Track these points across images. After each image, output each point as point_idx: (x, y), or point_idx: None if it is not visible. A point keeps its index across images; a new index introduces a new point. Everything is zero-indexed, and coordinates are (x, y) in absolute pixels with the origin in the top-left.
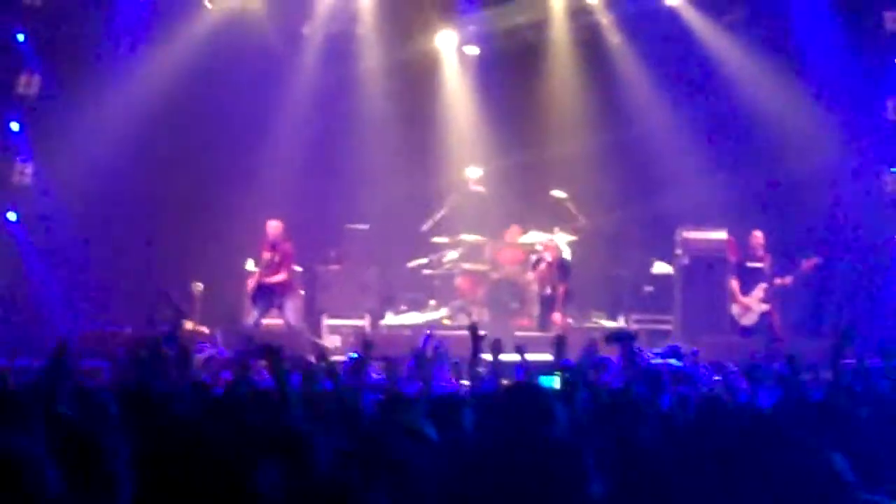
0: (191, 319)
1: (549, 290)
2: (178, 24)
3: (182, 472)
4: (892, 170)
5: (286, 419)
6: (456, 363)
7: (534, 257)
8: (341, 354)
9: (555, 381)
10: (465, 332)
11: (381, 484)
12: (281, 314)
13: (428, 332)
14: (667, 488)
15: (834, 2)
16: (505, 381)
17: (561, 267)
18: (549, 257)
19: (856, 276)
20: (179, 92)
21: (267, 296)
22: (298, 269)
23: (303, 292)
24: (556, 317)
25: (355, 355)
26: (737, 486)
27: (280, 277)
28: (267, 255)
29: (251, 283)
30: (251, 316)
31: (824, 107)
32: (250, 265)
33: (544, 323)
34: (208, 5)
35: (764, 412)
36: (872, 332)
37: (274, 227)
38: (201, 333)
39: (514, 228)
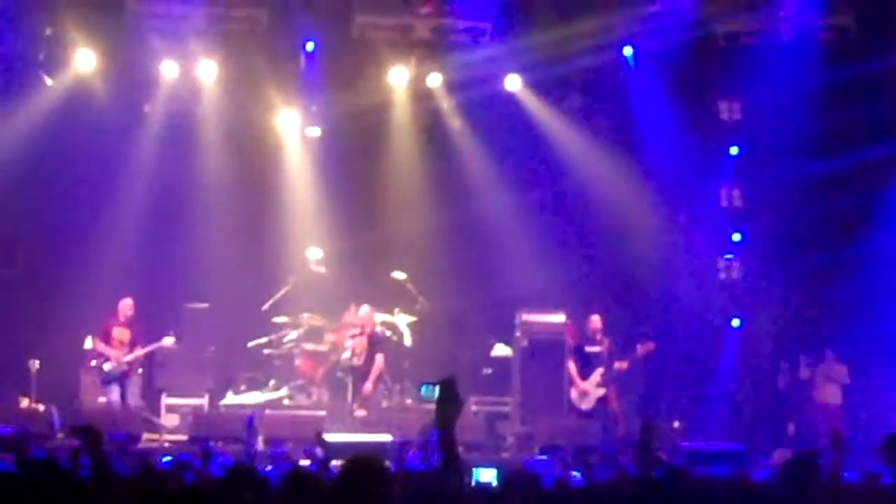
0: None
1: (356, 361)
2: (18, 99)
3: None
4: (725, 256)
5: None
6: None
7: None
8: (180, 433)
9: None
10: (303, 412)
11: None
12: (122, 393)
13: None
14: None
15: (671, 91)
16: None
17: (374, 340)
18: (360, 331)
19: (688, 361)
20: (20, 167)
21: (126, 374)
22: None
23: (141, 370)
24: (367, 387)
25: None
26: None
27: (137, 355)
28: (122, 333)
29: (118, 359)
30: (111, 393)
31: (661, 193)
32: (89, 343)
33: (355, 394)
34: (49, 82)
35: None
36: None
37: (129, 305)
38: (36, 411)
39: (354, 309)
